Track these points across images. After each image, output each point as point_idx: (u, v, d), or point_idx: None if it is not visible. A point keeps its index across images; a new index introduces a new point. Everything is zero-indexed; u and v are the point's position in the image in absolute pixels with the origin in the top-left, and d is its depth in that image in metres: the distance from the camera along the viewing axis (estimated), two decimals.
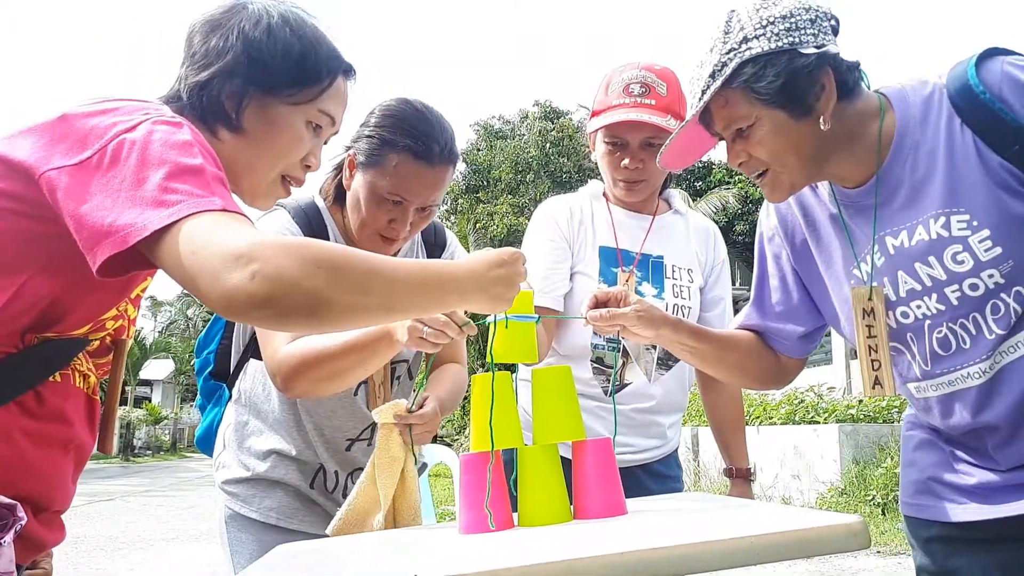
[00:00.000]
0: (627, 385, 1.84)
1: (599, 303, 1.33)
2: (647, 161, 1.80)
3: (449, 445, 15.48)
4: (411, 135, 1.45)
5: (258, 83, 1.05)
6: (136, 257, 0.81)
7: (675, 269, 1.90)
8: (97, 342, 1.01)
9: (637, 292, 1.82)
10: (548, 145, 21.72)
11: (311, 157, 1.12)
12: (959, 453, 1.26)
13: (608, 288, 1.35)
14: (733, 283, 2.17)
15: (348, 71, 1.13)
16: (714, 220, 7.13)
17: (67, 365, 0.97)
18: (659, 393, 1.86)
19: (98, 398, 1.04)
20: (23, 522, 0.85)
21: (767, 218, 1.41)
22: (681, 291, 1.88)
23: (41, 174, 0.85)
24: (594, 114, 1.85)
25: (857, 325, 1.23)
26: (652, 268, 1.88)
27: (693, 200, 16.99)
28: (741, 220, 18.96)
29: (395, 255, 1.64)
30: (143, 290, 1.07)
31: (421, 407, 1.48)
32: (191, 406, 31.99)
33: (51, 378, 0.94)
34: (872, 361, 1.22)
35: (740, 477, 1.94)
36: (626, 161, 1.80)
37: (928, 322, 1.19)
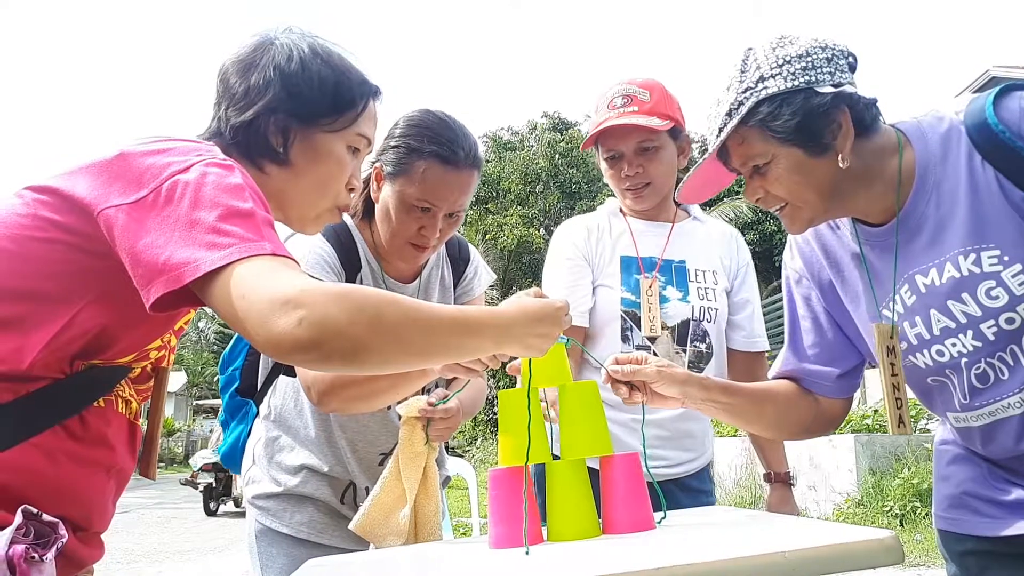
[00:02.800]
0: None
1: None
2: (646, 166, 1.85)
3: (461, 456, 15.44)
4: (436, 141, 1.49)
5: (299, 116, 1.08)
6: (187, 294, 0.85)
7: (698, 272, 1.90)
8: (139, 369, 1.04)
9: (661, 297, 1.84)
10: (557, 156, 21.77)
11: (352, 179, 1.16)
12: (996, 469, 1.25)
13: (627, 353, 1.33)
14: None
15: (376, 93, 1.17)
16: None
17: (111, 391, 0.99)
18: None
19: (139, 423, 1.07)
20: (64, 540, 0.86)
21: (792, 260, 1.41)
22: (706, 293, 1.89)
23: (99, 211, 0.89)
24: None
25: (881, 363, 1.22)
26: (675, 272, 1.89)
27: (705, 210, 16.98)
28: (751, 229, 18.91)
29: (423, 266, 1.67)
30: (186, 322, 1.10)
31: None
32: (203, 418, 32.00)
33: (95, 403, 0.97)
34: (896, 399, 1.22)
35: (779, 481, 1.93)
36: (625, 169, 1.85)
37: (964, 359, 1.18)
